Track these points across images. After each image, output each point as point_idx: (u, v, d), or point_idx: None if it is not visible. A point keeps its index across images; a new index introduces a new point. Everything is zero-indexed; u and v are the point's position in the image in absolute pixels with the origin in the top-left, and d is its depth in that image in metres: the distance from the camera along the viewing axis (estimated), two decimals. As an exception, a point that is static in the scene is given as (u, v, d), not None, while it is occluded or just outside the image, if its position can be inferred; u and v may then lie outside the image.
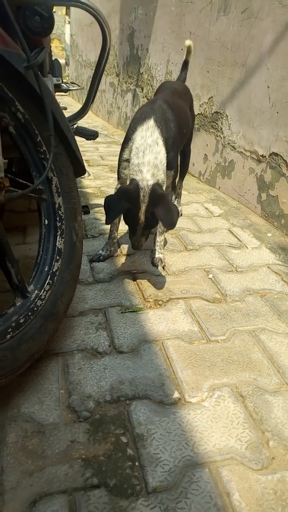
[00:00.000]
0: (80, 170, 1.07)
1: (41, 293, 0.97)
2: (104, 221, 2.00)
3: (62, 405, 0.93)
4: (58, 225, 1.02)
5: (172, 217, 1.26)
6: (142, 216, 1.32)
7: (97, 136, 1.78)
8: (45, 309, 0.97)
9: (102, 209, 2.20)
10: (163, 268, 1.55)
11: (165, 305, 1.34)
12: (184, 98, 1.79)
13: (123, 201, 1.31)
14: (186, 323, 1.25)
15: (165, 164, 1.36)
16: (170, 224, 1.28)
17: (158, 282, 1.47)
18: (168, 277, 1.52)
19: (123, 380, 1.01)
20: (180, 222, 1.99)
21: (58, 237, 1.02)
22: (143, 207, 1.30)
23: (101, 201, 2.34)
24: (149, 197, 1.30)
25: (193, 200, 2.34)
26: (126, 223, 1.37)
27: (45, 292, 0.98)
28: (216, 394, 0.98)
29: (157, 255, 1.60)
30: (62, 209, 1.03)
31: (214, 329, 1.22)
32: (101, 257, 1.60)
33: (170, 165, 1.41)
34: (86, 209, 2.03)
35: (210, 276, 1.53)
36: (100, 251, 1.62)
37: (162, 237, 1.68)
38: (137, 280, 1.48)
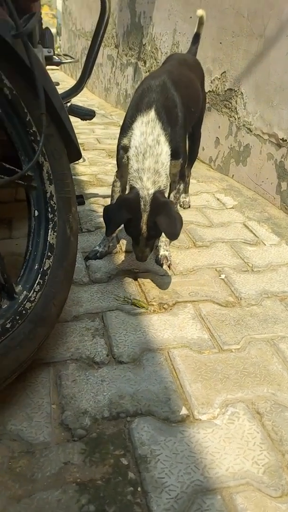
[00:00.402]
0: (75, 154, 1.07)
1: (30, 295, 0.97)
2: (101, 213, 2.01)
3: (54, 422, 0.94)
4: (49, 217, 1.02)
5: (175, 227, 1.31)
6: (144, 226, 1.36)
7: (94, 116, 1.78)
8: (35, 313, 0.97)
9: (98, 200, 2.21)
10: (169, 267, 1.57)
11: (171, 309, 1.34)
12: (194, 71, 1.79)
13: (124, 211, 1.35)
14: (195, 329, 1.25)
15: (168, 164, 1.38)
16: (173, 235, 1.33)
17: (163, 283, 1.48)
18: (175, 277, 1.52)
19: (123, 394, 1.01)
20: (189, 215, 1.99)
21: (49, 231, 1.02)
22: (144, 217, 1.35)
23: (98, 190, 2.34)
24: (151, 206, 1.34)
25: (203, 190, 2.34)
26: (128, 233, 1.41)
27: (35, 293, 0.98)
28: (229, 411, 0.98)
29: (161, 253, 1.61)
30: (55, 199, 1.02)
31: (227, 337, 1.22)
32: (98, 254, 1.61)
33: (176, 154, 1.42)
34: (81, 199, 2.04)
35: (223, 276, 1.53)
36: (97, 247, 1.62)
37: None
38: (139, 280, 1.49)
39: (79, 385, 1.03)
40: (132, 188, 1.37)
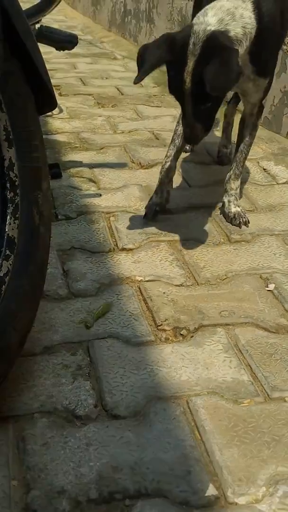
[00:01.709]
0: (46, 101, 1.09)
1: (-21, 314, 0.99)
2: (86, 192, 2.03)
3: (16, 506, 0.94)
4: (8, 196, 1.03)
5: (223, 77, 1.34)
6: (188, 78, 1.40)
7: (75, 44, 1.80)
8: (-13, 341, 0.99)
9: (83, 171, 2.22)
10: (245, 225, 1.81)
11: (192, 336, 1.36)
12: None
13: (164, 49, 1.40)
14: (229, 368, 1.26)
15: (250, 30, 1.46)
16: (214, 88, 1.35)
17: (181, 296, 1.49)
18: (198, 288, 1.54)
19: (119, 465, 1.02)
20: (219, 194, 2.00)
21: (8, 218, 1.03)
22: (191, 62, 1.39)
23: (82, 156, 2.37)
24: (203, 47, 1.38)
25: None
26: (170, 90, 1.47)
27: (-14, 311, 1.00)
28: (280, 491, 0.99)
29: (233, 209, 1.79)
30: (16, 170, 1.04)
31: (278, 379, 1.23)
32: (157, 208, 1.80)
33: (262, 67, 1.53)
34: (56, 171, 2.05)
35: (271, 287, 1.55)
36: (154, 197, 1.83)
37: (237, 183, 1.85)
38: (144, 293, 1.50)
39: (52, 451, 1.03)
40: (188, 25, 1.45)
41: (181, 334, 1.36)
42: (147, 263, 1.64)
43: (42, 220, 1.08)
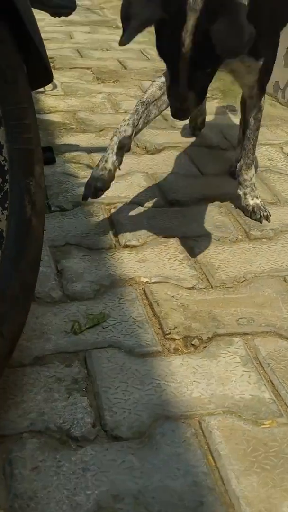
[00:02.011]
0: (41, 75, 1.09)
1: None
2: (84, 179, 2.01)
3: (1, 540, 0.94)
4: (-4, 183, 1.03)
5: (238, 38, 1.29)
6: (187, 39, 1.32)
7: (73, 9, 1.80)
8: None
9: (79, 156, 2.21)
10: (267, 219, 1.81)
11: (205, 347, 1.34)
12: None
13: (157, 4, 1.32)
14: (248, 383, 1.25)
15: None
16: (228, 50, 1.31)
17: (192, 300, 1.48)
18: (212, 291, 1.53)
19: (121, 494, 1.00)
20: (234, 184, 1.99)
21: (-4, 208, 1.03)
22: (191, 20, 1.31)
23: (79, 139, 2.35)
24: (205, 2, 1.30)
25: (263, 140, 2.32)
26: (160, 53, 1.41)
27: None
28: (307, 527, 0.98)
29: (251, 201, 1.79)
30: (5, 152, 1.03)
31: (304, 397, 1.23)
32: (98, 184, 1.67)
33: (254, 47, 1.40)
34: (49, 155, 2.05)
35: (296, 291, 1.54)
36: (97, 170, 1.68)
37: (251, 172, 1.84)
38: (150, 297, 1.49)
39: (43, 477, 1.02)
40: None
41: (192, 344, 1.35)
42: (153, 262, 1.62)
43: (35, 211, 1.08)
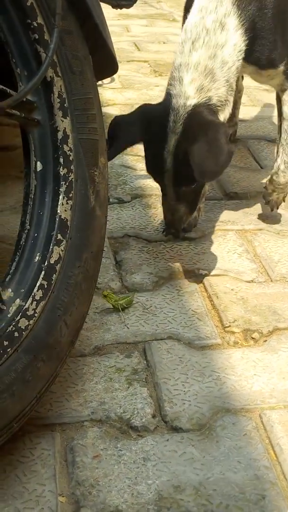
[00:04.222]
0: (107, 65, 1.11)
1: (26, 306, 0.98)
2: (141, 172, 2.02)
3: (63, 525, 0.96)
4: (61, 173, 1.03)
5: (213, 160, 1.31)
6: (169, 158, 1.38)
7: (135, 1, 1.79)
8: (35, 337, 0.98)
9: (136, 148, 2.20)
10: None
11: (265, 340, 1.34)
12: None
13: (139, 128, 1.39)
14: (309, 378, 1.24)
15: (234, 65, 1.42)
16: (204, 174, 1.33)
17: (252, 294, 1.47)
18: (272, 284, 1.52)
19: (182, 485, 1.01)
20: None
21: (60, 198, 1.03)
22: (171, 142, 1.37)
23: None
24: (184, 125, 1.36)
25: None
26: (148, 170, 1.47)
27: (34, 303, 0.99)
28: None
29: (273, 196, 1.71)
30: (71, 143, 1.03)
31: None
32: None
33: (265, 62, 1.45)
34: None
35: None
36: None
37: None
38: (209, 289, 1.49)
39: (105, 465, 1.04)
40: (166, 94, 1.42)
41: (252, 338, 1.35)
42: (212, 254, 1.62)
43: (98, 201, 1.08)
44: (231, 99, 1.45)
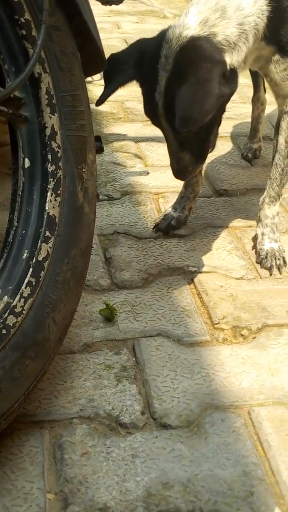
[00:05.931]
0: (95, 61, 1.08)
1: (14, 303, 0.99)
2: (132, 168, 2.02)
3: (51, 523, 0.95)
4: (49, 170, 1.03)
5: (197, 106, 1.18)
6: (160, 101, 1.28)
7: (123, -2, 1.79)
8: (23, 334, 0.98)
9: (127, 145, 2.21)
10: (279, 270, 1.54)
11: (254, 337, 1.34)
12: None
13: (131, 66, 1.30)
14: (298, 375, 1.25)
15: (254, 17, 1.28)
16: (183, 122, 1.20)
17: (241, 291, 1.48)
18: (262, 281, 1.52)
19: (170, 481, 1.01)
20: None
21: (48, 195, 1.03)
22: (162, 82, 1.26)
23: (126, 128, 2.36)
24: (176, 60, 1.23)
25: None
26: (146, 114, 1.39)
27: (22, 300, 0.99)
28: None
29: (267, 245, 1.55)
30: (59, 139, 1.04)
31: None
32: (173, 223, 1.67)
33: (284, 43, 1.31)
34: (97, 145, 2.06)
35: None
36: (170, 210, 1.68)
37: (275, 209, 1.57)
38: (198, 286, 1.49)
39: (93, 462, 1.04)
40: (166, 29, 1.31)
41: (241, 335, 1.35)
42: (202, 251, 1.62)
43: (87, 198, 1.08)
44: (244, 48, 1.30)
